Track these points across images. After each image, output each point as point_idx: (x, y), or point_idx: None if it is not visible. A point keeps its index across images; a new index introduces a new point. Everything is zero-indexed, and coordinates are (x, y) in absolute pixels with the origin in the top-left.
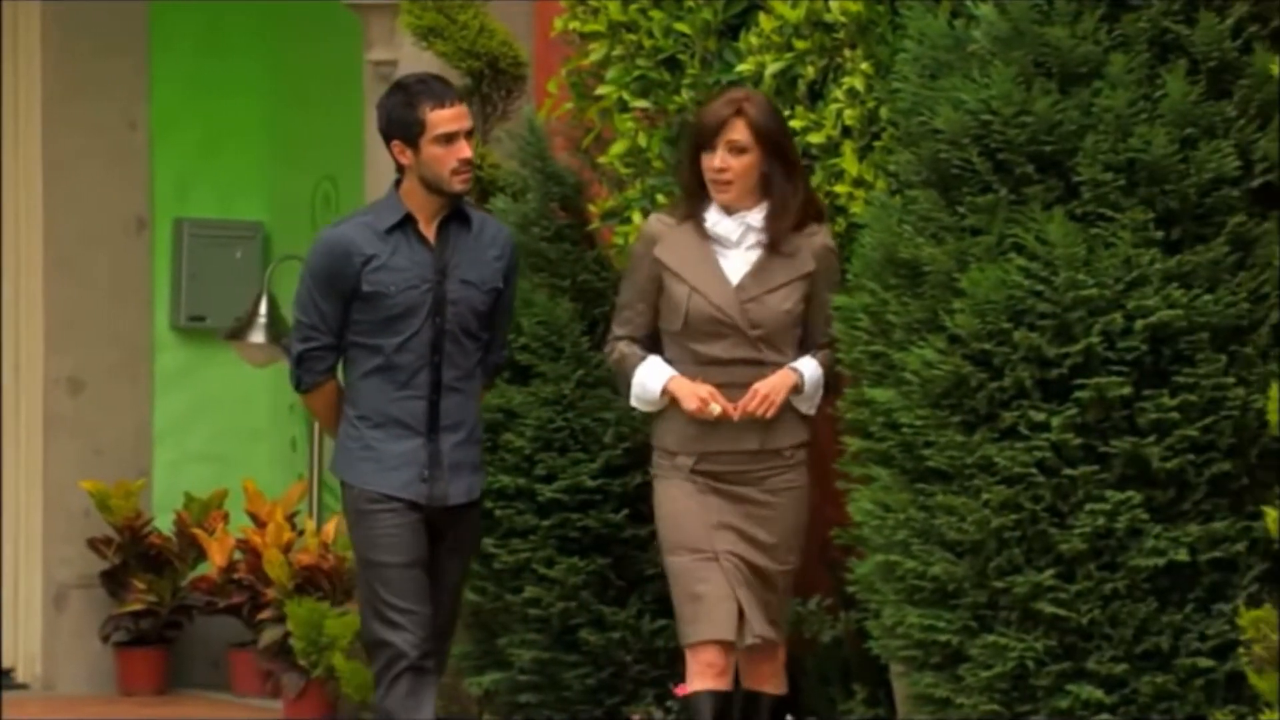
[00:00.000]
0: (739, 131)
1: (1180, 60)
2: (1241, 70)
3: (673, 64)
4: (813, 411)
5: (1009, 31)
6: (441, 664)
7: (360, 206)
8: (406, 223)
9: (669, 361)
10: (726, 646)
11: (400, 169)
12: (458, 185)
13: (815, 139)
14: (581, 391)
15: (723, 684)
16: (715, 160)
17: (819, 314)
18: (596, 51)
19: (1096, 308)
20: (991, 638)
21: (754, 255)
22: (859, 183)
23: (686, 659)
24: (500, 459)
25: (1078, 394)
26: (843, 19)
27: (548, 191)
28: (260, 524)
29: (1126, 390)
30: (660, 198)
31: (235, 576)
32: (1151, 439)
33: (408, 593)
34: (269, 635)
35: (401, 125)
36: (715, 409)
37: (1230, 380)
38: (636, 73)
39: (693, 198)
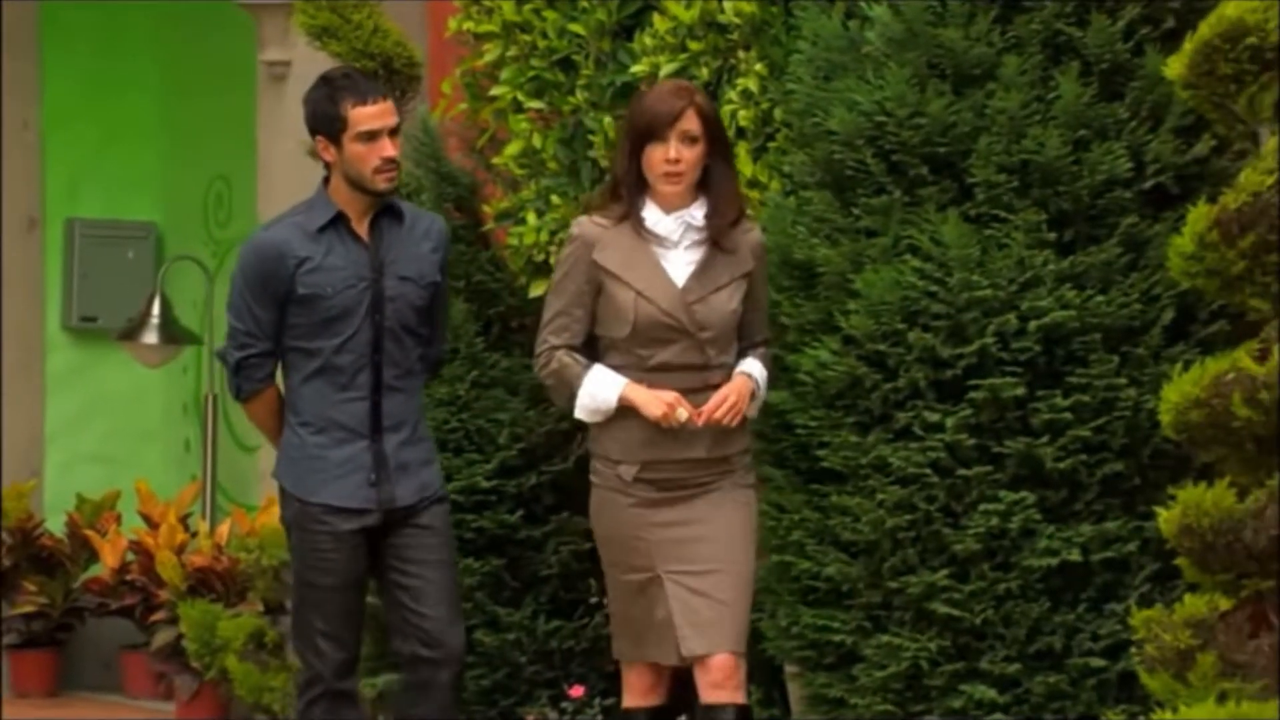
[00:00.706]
0: (691, 121)
1: (1073, 62)
2: (1133, 72)
3: (567, 65)
4: (755, 414)
5: (903, 33)
6: (461, 653)
7: (247, 208)
8: (338, 221)
9: (613, 369)
10: (661, 665)
11: (327, 166)
12: (381, 184)
13: None
14: (476, 392)
15: (655, 699)
16: (669, 151)
17: (757, 312)
18: (491, 52)
19: (990, 309)
20: (885, 638)
21: (694, 255)
22: (753, 184)
23: (622, 671)
24: None
25: (972, 395)
26: (737, 20)
27: (442, 192)
28: (153, 525)
29: (1020, 391)
30: (555, 198)
31: (128, 578)
32: (1045, 439)
33: (334, 616)
34: (162, 637)
35: (324, 120)
36: (682, 415)
37: (1122, 381)
38: (531, 73)
39: (630, 195)
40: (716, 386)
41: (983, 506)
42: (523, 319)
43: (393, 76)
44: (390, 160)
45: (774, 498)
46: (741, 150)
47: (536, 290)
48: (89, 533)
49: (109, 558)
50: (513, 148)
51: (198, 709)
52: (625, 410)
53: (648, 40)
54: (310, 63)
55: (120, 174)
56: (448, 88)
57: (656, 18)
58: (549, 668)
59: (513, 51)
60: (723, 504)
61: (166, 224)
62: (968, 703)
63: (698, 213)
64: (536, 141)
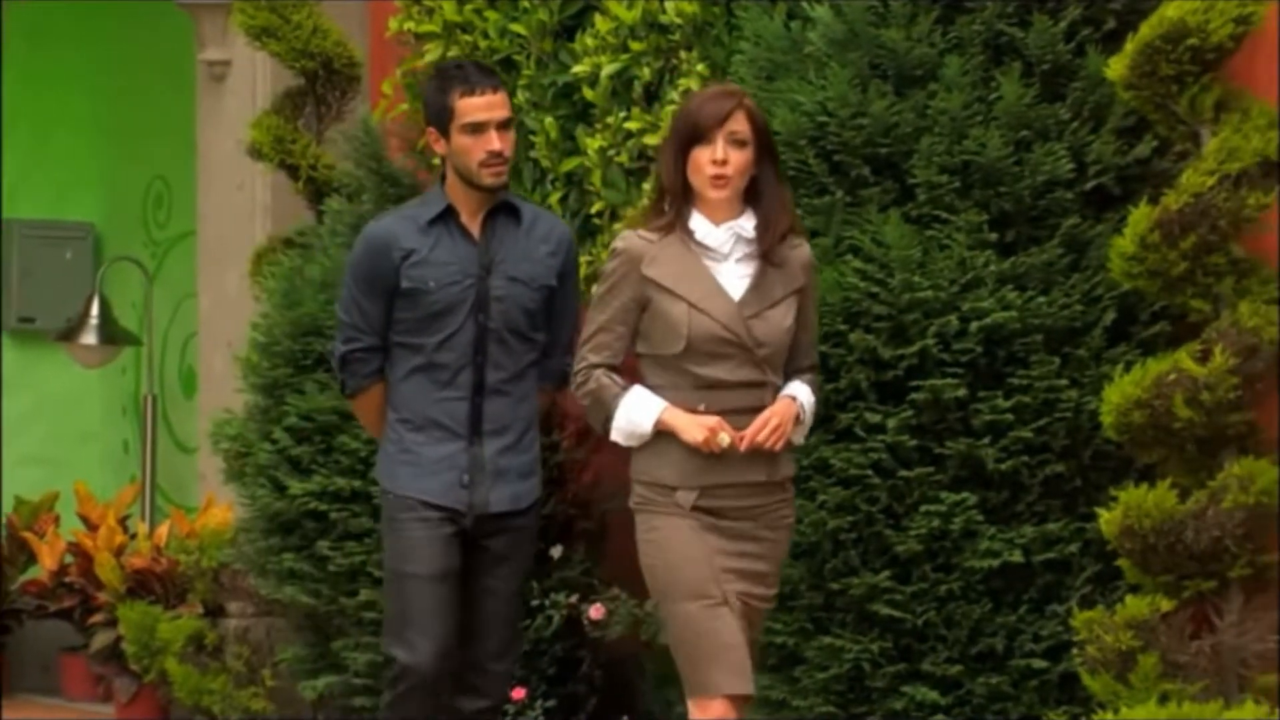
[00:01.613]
0: (740, 123)
1: (1015, 63)
2: (1075, 73)
3: (508, 65)
4: (801, 440)
5: (845, 34)
6: (501, 686)
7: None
8: (448, 215)
9: (656, 389)
10: (740, 699)
11: (441, 160)
12: (487, 178)
13: (652, 140)
14: None
15: None
16: (716, 152)
17: (805, 334)
18: (432, 52)
19: (932, 310)
20: (827, 639)
21: (746, 268)
22: None
23: (690, 708)
24: (335, 461)
25: (913, 396)
26: (678, 20)
27: (383, 193)
28: (92, 527)
29: (961, 392)
30: None
31: (66, 580)
32: (986, 440)
33: (423, 608)
34: (101, 639)
35: (434, 111)
36: (724, 440)
37: (1063, 382)
38: None
39: (675, 205)
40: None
41: (924, 508)
42: None
43: (332, 77)
44: (496, 154)
45: None
46: None
47: None
48: (27, 535)
49: (47, 560)
50: None
51: (137, 711)
52: (668, 434)
53: (589, 40)
54: (249, 63)
55: (59, 175)
56: (389, 88)
57: (598, 18)
58: None
59: (454, 51)
60: (776, 530)
61: (105, 224)
62: (909, 704)
63: (747, 224)
64: None
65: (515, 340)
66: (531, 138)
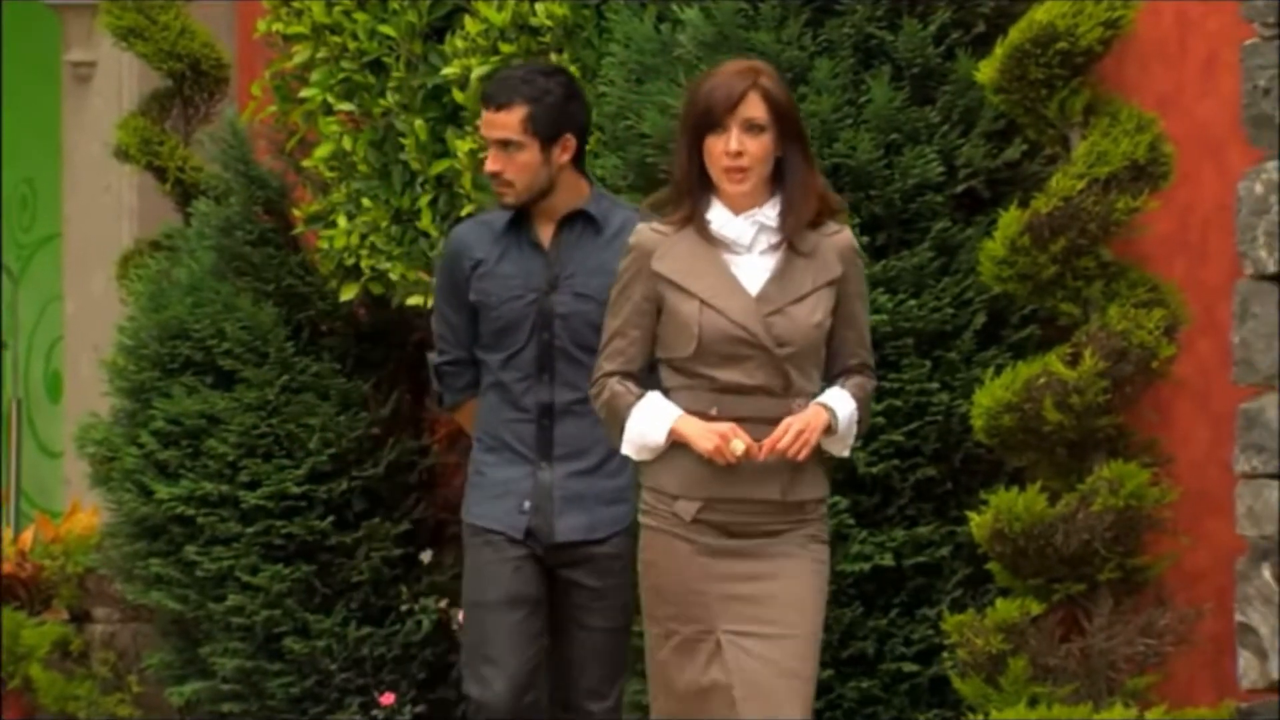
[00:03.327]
0: (755, 107)
1: (884, 66)
2: (945, 76)
3: (378, 67)
4: (845, 453)
5: (715, 36)
6: None
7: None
8: (520, 222)
9: (671, 394)
10: None
11: None
12: (499, 197)
13: None
14: (286, 397)
15: None
16: (730, 142)
17: (848, 330)
18: (300, 54)
19: None
20: None
21: (770, 260)
22: None
23: None
24: (203, 465)
25: None
26: (548, 22)
27: (251, 195)
28: None
29: None
30: (365, 201)
31: None
32: (857, 444)
33: (496, 638)
34: None
35: None
36: (739, 446)
37: (934, 385)
38: (341, 75)
39: (692, 195)
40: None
41: None
42: (333, 323)
43: (200, 78)
44: (493, 174)
45: None
46: None
47: (347, 294)
48: None
49: None
50: (323, 150)
51: (1, 717)
52: (682, 443)
53: (459, 42)
54: (116, 64)
55: None
56: (257, 90)
57: (468, 20)
58: (359, 675)
59: (322, 53)
60: (794, 559)
61: None
62: None
63: (771, 212)
64: (347, 144)
65: (590, 358)
66: (401, 140)
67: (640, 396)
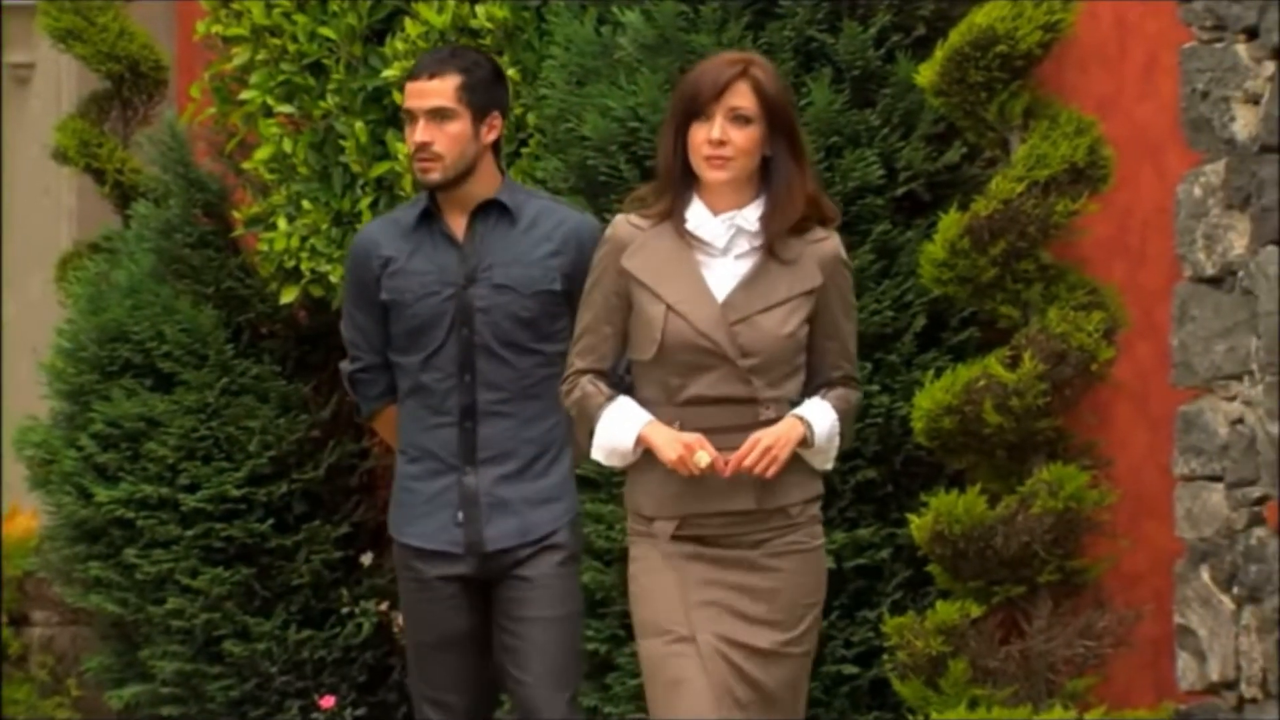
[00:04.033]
0: (743, 97)
1: (825, 69)
2: (885, 79)
3: (317, 69)
4: (827, 466)
5: (655, 39)
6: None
7: None
8: (430, 217)
9: (643, 403)
10: None
11: None
12: (419, 175)
13: None
14: (226, 400)
15: None
16: (712, 130)
17: (829, 341)
18: (240, 56)
19: None
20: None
21: (745, 265)
22: None
23: None
24: (143, 468)
25: None
26: (489, 25)
27: (191, 197)
28: None
29: None
30: (305, 204)
31: None
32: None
33: (436, 679)
34: None
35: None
36: (703, 459)
37: (875, 388)
38: (281, 77)
39: (673, 188)
40: (770, 425)
41: None
42: (273, 325)
43: (139, 80)
44: (420, 146)
45: None
46: None
47: (287, 296)
48: None
49: None
50: (263, 152)
51: None
52: (652, 454)
53: (399, 45)
54: (54, 65)
55: None
56: (196, 92)
57: (408, 22)
58: (300, 678)
59: (262, 55)
60: (784, 558)
61: None
62: None
63: (752, 214)
64: (287, 146)
65: (513, 354)
66: (341, 142)
67: (611, 398)
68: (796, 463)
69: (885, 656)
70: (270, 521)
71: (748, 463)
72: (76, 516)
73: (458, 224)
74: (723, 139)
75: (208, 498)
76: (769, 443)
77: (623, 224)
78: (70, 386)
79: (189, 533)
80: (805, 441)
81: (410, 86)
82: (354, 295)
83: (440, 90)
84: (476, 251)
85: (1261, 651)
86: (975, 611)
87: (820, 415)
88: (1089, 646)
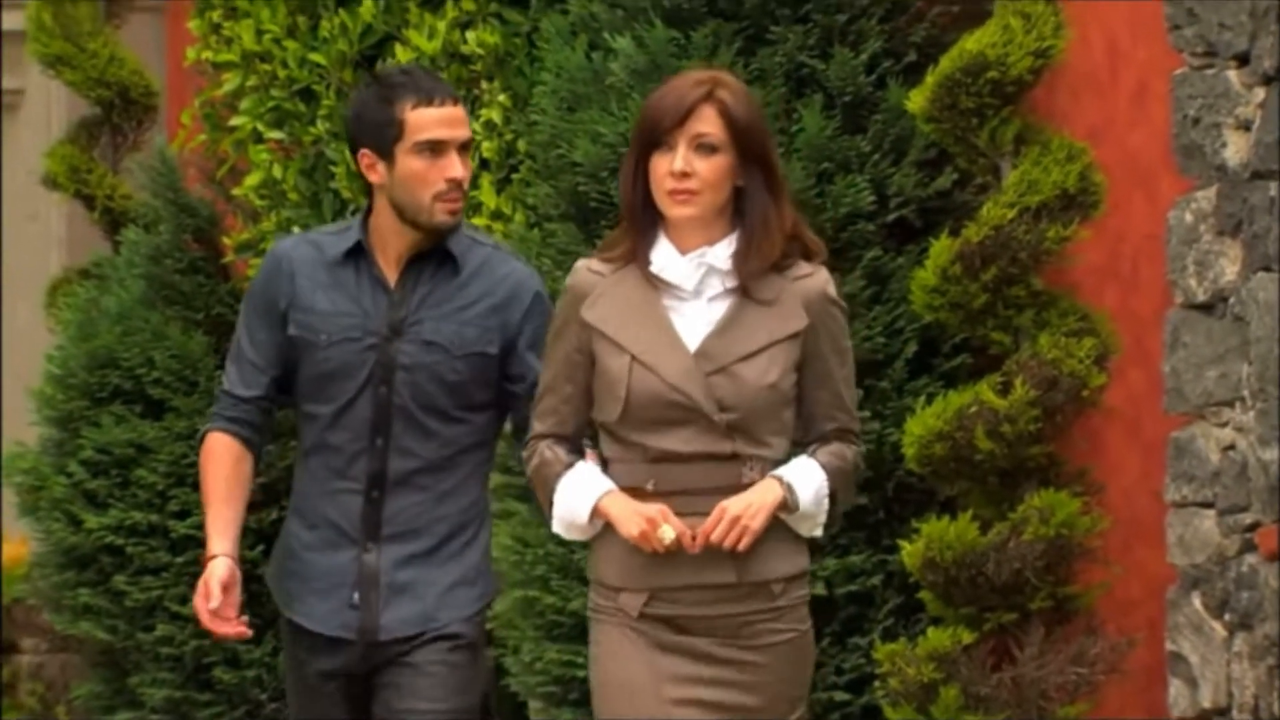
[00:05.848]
0: (708, 122)
1: (816, 95)
2: (876, 105)
3: (308, 95)
4: (817, 533)
5: (647, 65)
6: None
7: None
8: (359, 254)
9: (609, 464)
10: None
11: (368, 189)
12: (440, 215)
13: None
14: None
15: None
16: (675, 161)
17: (819, 390)
18: (230, 82)
19: None
20: None
21: (719, 309)
22: (497, 215)
23: None
24: (132, 495)
25: None
26: (480, 51)
27: (181, 223)
28: None
29: None
30: (296, 230)
31: None
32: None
33: None
34: None
35: (372, 128)
36: (667, 534)
37: (866, 414)
38: (271, 103)
39: (637, 227)
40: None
41: None
42: None
43: (129, 106)
44: (456, 183)
45: (518, 532)
46: (485, 182)
47: None
48: None
49: None
50: (253, 179)
51: None
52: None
53: None
54: (44, 91)
55: None
56: (187, 118)
57: (399, 48)
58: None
59: (252, 81)
60: (762, 652)
61: None
62: None
63: (723, 251)
64: (277, 172)
65: (435, 421)
66: (332, 168)
67: (569, 466)
68: (780, 530)
69: (877, 683)
70: (260, 548)
71: (715, 536)
72: (66, 543)
73: (391, 270)
74: (686, 170)
75: (198, 524)
76: (736, 511)
77: (582, 271)
78: (59, 413)
79: (179, 559)
80: (786, 505)
81: (440, 112)
82: (257, 310)
83: (466, 118)
84: (408, 300)
85: (1253, 678)
86: (967, 638)
87: (805, 475)
88: (1081, 673)
